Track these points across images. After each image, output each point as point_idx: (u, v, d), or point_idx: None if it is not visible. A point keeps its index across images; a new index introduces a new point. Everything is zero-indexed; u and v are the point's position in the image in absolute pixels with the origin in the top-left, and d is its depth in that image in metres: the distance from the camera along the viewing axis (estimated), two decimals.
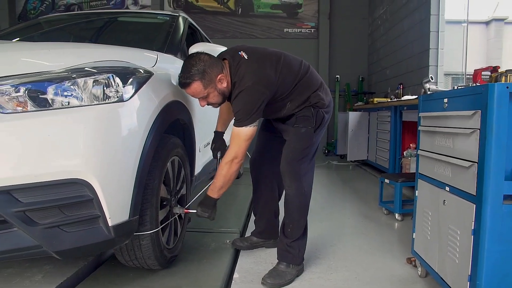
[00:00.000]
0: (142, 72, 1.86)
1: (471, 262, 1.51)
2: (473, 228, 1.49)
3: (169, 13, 3.19)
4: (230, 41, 8.82)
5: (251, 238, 2.55)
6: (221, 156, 2.43)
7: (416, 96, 4.50)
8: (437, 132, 1.85)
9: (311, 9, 8.80)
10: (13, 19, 9.51)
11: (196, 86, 1.98)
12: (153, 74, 1.93)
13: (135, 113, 1.73)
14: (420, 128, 2.06)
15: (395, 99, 5.37)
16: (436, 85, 4.94)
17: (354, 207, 3.78)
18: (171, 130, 2.14)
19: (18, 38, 2.78)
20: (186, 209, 2.26)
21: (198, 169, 2.78)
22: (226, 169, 2.06)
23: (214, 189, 2.12)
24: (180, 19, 3.04)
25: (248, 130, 2.01)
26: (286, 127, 2.22)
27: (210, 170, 3.27)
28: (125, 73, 1.73)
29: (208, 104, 2.12)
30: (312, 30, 8.86)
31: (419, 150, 2.07)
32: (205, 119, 2.78)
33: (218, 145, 2.56)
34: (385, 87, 7.20)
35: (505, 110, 1.38)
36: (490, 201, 1.42)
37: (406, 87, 6.10)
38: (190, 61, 2.00)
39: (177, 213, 2.23)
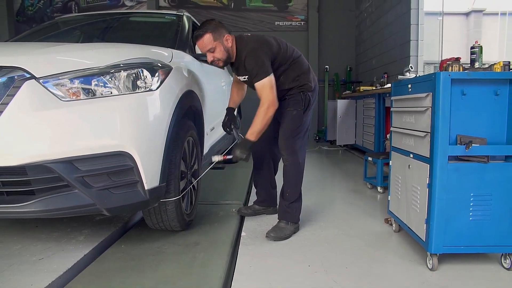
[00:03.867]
0: (164, 66, 2.28)
1: (427, 209, 1.97)
2: (427, 183, 1.96)
3: (175, 13, 3.58)
4: None
5: (254, 206, 2.99)
6: (234, 127, 2.90)
7: None
8: (404, 111, 2.30)
9: (301, 3, 9.21)
10: (11, 15, 9.80)
11: (207, 37, 2.44)
12: (172, 68, 2.35)
13: (162, 101, 2.16)
14: (392, 109, 2.51)
15: (380, 87, 5.83)
16: (417, 74, 5.41)
17: (343, 183, 4.25)
18: (186, 115, 2.56)
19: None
20: (224, 155, 2.65)
21: (205, 150, 3.21)
22: (263, 115, 2.40)
23: (253, 133, 2.43)
24: (185, 18, 3.45)
25: (269, 79, 2.40)
26: (280, 110, 2.57)
27: (214, 153, 3.70)
28: (152, 68, 2.16)
29: (213, 62, 2.53)
30: (302, 23, 9.28)
31: (392, 127, 2.52)
32: (211, 107, 3.20)
33: (231, 117, 2.93)
34: (371, 76, 7.64)
35: (447, 92, 1.83)
36: (439, 161, 1.88)
37: (390, 76, 6.54)
38: (205, 22, 2.51)
39: (215, 161, 2.63)
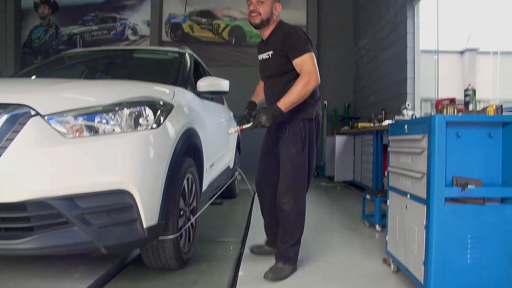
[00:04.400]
0: (166, 104, 2.33)
1: (424, 250, 1.97)
2: (424, 224, 1.97)
3: (177, 50, 3.68)
4: (225, 69, 9.38)
5: (264, 248, 2.90)
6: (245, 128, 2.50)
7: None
8: (401, 152, 2.34)
9: None
10: (18, 47, 10.02)
11: None
12: (174, 106, 2.41)
13: (163, 139, 2.20)
14: (389, 149, 2.55)
15: (378, 124, 5.90)
16: (414, 111, 5.50)
17: (341, 221, 4.24)
18: (186, 152, 2.59)
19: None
20: (240, 125, 2.48)
21: (204, 186, 3.22)
22: (301, 87, 2.25)
23: (286, 103, 2.27)
24: (187, 55, 3.54)
25: (311, 54, 2.33)
26: (279, 141, 2.50)
27: (213, 188, 3.72)
28: (154, 106, 2.21)
29: (252, 13, 2.42)
30: None
31: (389, 167, 2.55)
32: (211, 143, 3.25)
33: (251, 110, 2.72)
34: (369, 112, 7.74)
35: (443, 135, 1.87)
36: (436, 203, 1.90)
37: (388, 112, 6.63)
38: None
39: (232, 133, 2.48)
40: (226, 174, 4.50)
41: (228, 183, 4.71)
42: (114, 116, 2.04)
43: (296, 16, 9.41)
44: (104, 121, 2.01)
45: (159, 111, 2.21)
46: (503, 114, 2.23)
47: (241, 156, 6.02)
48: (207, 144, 3.09)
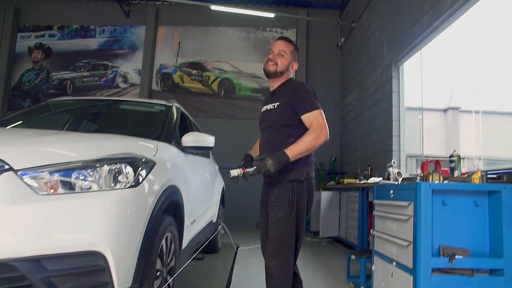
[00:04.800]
0: (148, 161, 2.27)
1: None
2: None
3: (164, 103, 3.67)
4: (213, 121, 9.45)
5: None
6: (249, 172, 2.31)
7: (380, 179, 5.01)
8: (386, 217, 2.29)
9: None
10: (7, 89, 10.03)
11: (290, 46, 2.48)
12: (156, 163, 2.35)
13: (142, 197, 2.12)
14: (374, 213, 2.50)
15: (364, 180, 5.88)
16: (399, 169, 5.52)
17: (325, 281, 4.10)
18: (166, 210, 2.51)
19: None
20: (244, 168, 2.28)
21: (185, 243, 3.10)
22: (312, 138, 2.21)
23: (294, 151, 2.18)
24: (174, 109, 3.52)
25: (321, 111, 2.31)
26: (268, 202, 2.37)
27: (194, 244, 3.59)
28: (135, 163, 2.14)
29: (269, 60, 2.45)
30: None
31: (374, 231, 2.49)
32: (194, 199, 3.17)
33: (246, 162, 2.54)
34: (355, 167, 7.76)
35: (429, 203, 1.83)
36: (422, 273, 1.83)
37: (374, 168, 6.65)
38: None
39: (235, 175, 2.26)
40: (208, 229, 4.37)
41: (210, 238, 4.57)
42: (93, 173, 1.96)
43: None
44: (81, 177, 1.94)
45: (140, 168, 2.14)
46: (488, 176, 2.23)
47: (225, 209, 5.93)
48: (190, 200, 3.01)
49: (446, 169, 2.91)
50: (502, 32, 4.14)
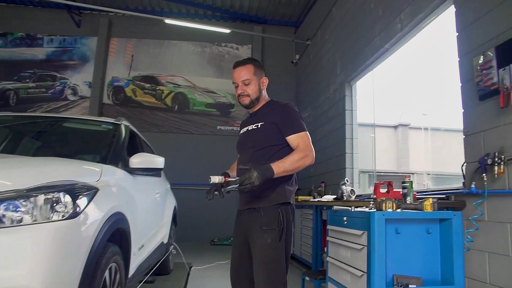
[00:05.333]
0: (90, 188, 2.11)
1: None
2: None
3: (112, 121, 3.48)
4: (166, 136, 9.23)
5: None
6: (231, 181, 2.17)
7: (333, 197, 5.04)
8: (340, 244, 2.25)
9: (243, 109, 9.55)
10: None
11: (248, 68, 2.30)
12: (99, 189, 2.19)
13: (82, 229, 1.96)
14: (328, 238, 2.46)
15: (318, 197, 5.90)
16: (352, 186, 5.58)
17: None
18: (111, 239, 2.34)
19: None
20: (226, 177, 2.16)
21: (132, 271, 2.93)
22: (299, 158, 2.11)
23: (280, 167, 2.05)
24: (123, 128, 3.36)
25: (307, 133, 2.23)
26: (252, 228, 2.17)
27: (143, 270, 3.41)
28: (75, 191, 1.99)
29: (240, 96, 2.31)
30: None
31: (328, 257, 2.45)
32: (142, 224, 3.01)
33: (225, 174, 2.35)
34: (309, 183, 7.79)
35: (382, 232, 1.81)
36: None
37: (327, 185, 6.70)
38: (250, 58, 2.39)
39: (215, 181, 2.11)
40: (159, 251, 4.20)
41: (161, 261, 4.38)
42: (27, 204, 1.80)
43: None
44: (13, 209, 1.77)
45: (80, 196, 1.99)
46: (437, 197, 2.24)
47: (178, 227, 5.78)
48: (137, 225, 2.85)
49: (399, 190, 2.92)
50: (444, 57, 4.30)
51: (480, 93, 3.11)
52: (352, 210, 2.28)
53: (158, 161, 2.99)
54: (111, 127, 3.34)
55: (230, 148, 10.11)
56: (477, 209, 3.03)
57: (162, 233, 4.34)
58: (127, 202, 2.62)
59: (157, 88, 9.69)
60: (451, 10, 3.68)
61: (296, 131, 2.22)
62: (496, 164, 2.84)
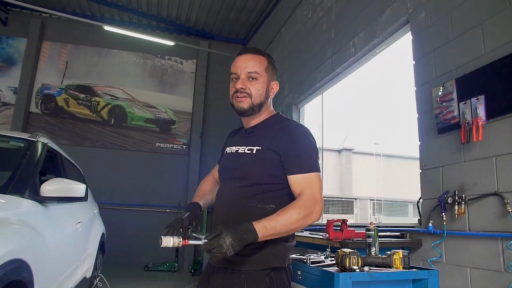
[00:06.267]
0: None
1: None
2: None
3: (26, 137, 2.92)
4: (100, 151, 8.54)
5: None
6: (195, 230, 1.62)
7: None
8: None
9: (184, 127, 9.09)
10: None
11: (262, 59, 1.72)
12: None
13: None
14: None
15: None
16: None
17: None
18: None
19: None
20: (185, 240, 1.43)
21: None
22: (300, 217, 1.48)
23: (269, 229, 1.43)
24: (39, 146, 2.83)
25: (319, 175, 1.60)
26: None
27: None
28: None
29: (238, 92, 1.69)
30: (184, 146, 9.06)
31: None
32: (53, 266, 2.48)
33: (192, 216, 1.69)
34: None
35: None
36: None
37: None
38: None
39: (169, 246, 1.41)
40: None
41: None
42: None
43: (181, 102, 9.16)
44: None
45: None
46: (392, 234, 1.95)
47: (107, 252, 5.20)
48: (46, 270, 2.32)
49: (362, 233, 2.60)
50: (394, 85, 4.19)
51: (439, 126, 2.94)
52: (308, 261, 1.92)
53: (78, 189, 2.50)
54: (22, 144, 2.79)
55: (169, 167, 9.49)
56: (435, 250, 2.82)
57: (84, 267, 3.77)
58: (31, 244, 2.10)
59: (93, 99, 8.96)
60: (408, 37, 3.54)
61: (304, 170, 1.58)
62: (457, 203, 2.66)
